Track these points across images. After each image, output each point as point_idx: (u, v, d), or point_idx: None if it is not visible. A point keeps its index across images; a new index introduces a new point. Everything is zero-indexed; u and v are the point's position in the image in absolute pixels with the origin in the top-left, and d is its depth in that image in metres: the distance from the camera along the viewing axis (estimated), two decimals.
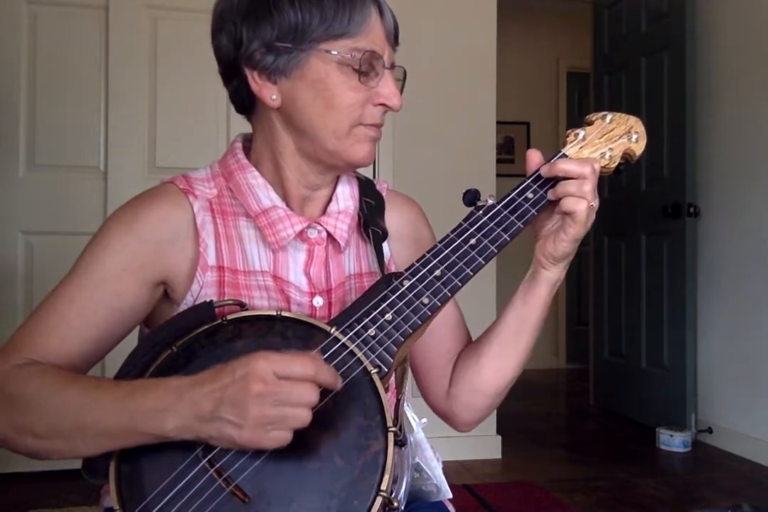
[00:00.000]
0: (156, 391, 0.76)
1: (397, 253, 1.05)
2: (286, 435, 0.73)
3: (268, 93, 0.92)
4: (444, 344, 1.04)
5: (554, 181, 0.89)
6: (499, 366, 0.98)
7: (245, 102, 0.97)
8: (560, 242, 0.89)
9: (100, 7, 2.85)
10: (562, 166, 0.87)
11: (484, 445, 3.12)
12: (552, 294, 0.95)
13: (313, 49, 0.89)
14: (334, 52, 0.88)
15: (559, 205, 0.88)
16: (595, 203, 0.87)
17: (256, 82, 0.92)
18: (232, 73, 0.94)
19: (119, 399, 0.77)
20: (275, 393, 0.71)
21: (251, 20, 0.90)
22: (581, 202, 0.86)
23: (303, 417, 0.72)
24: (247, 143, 1.01)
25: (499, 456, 3.14)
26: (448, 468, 1.04)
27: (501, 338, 0.98)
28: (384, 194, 1.07)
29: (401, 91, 0.97)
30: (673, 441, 3.30)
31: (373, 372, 0.81)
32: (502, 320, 0.98)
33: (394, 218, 1.06)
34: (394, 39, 0.94)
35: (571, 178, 0.87)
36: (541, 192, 0.89)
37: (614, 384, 4.04)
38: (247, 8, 0.90)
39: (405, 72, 0.97)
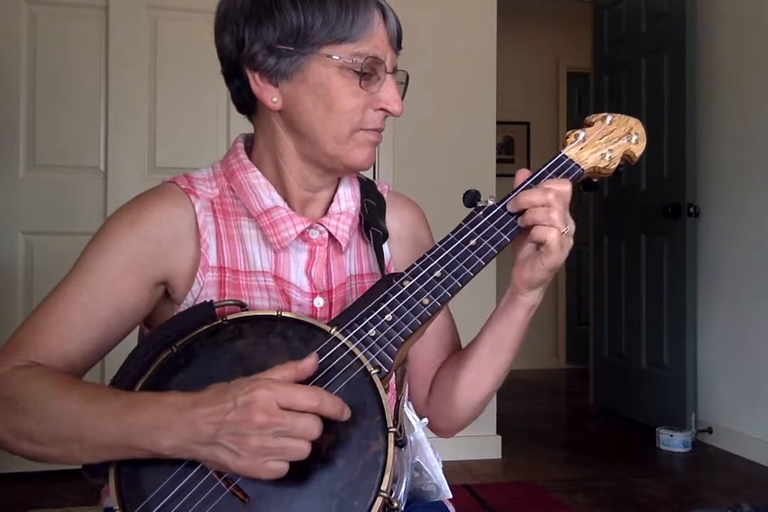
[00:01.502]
0: (153, 407, 0.75)
1: (397, 253, 1.05)
2: (283, 466, 0.72)
3: (269, 95, 0.92)
4: (429, 353, 1.04)
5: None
6: (473, 383, 0.98)
7: (247, 103, 0.97)
8: (537, 271, 0.87)
9: (100, 7, 2.85)
10: (526, 199, 0.85)
11: (484, 445, 3.12)
12: (529, 318, 0.93)
13: (315, 53, 0.88)
14: (335, 57, 0.88)
15: (530, 234, 0.85)
16: (570, 228, 0.85)
17: (257, 83, 0.92)
18: (233, 73, 0.94)
19: (116, 410, 0.76)
20: (278, 425, 0.71)
21: (253, 21, 0.89)
22: (551, 231, 0.84)
23: (302, 449, 0.72)
24: (249, 143, 1.01)
25: (499, 456, 3.14)
26: (449, 468, 1.04)
27: (478, 355, 0.97)
28: (385, 195, 1.07)
29: (404, 95, 0.96)
30: (673, 441, 3.30)
31: (373, 372, 0.81)
32: (479, 339, 0.97)
33: (394, 219, 1.06)
34: (397, 43, 0.94)
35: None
36: None
37: (614, 384, 4.04)
38: (250, 9, 0.90)
39: (407, 76, 0.97)
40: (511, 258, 0.92)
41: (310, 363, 0.77)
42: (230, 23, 0.91)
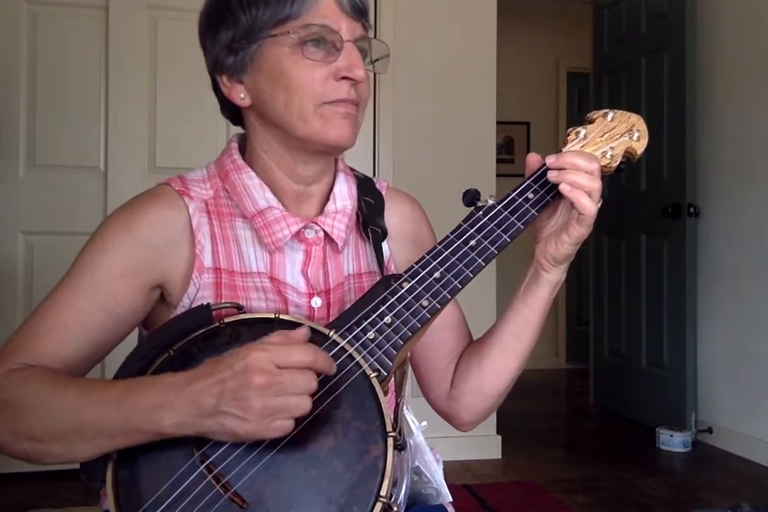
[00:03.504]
0: (151, 389, 0.75)
1: (397, 251, 1.04)
2: (289, 424, 0.73)
3: (237, 93, 0.93)
4: (446, 345, 1.04)
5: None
6: (500, 369, 0.98)
7: (232, 112, 0.99)
8: (563, 244, 0.88)
9: (100, 7, 2.85)
10: (572, 160, 0.85)
11: (484, 445, 3.12)
12: (554, 295, 0.94)
13: (262, 38, 0.89)
14: (279, 34, 0.88)
15: (574, 199, 0.84)
16: (599, 204, 0.86)
17: (225, 85, 0.94)
18: (215, 84, 0.97)
19: (115, 397, 0.77)
20: (277, 383, 0.72)
21: (212, 29, 0.93)
22: (593, 205, 0.84)
23: (305, 405, 0.73)
24: (244, 142, 1.01)
25: (499, 456, 3.14)
26: (449, 468, 1.04)
27: (503, 341, 0.97)
28: (384, 192, 1.06)
29: (385, 68, 0.95)
30: (673, 441, 3.30)
31: (372, 375, 0.80)
32: (503, 323, 0.97)
33: (393, 216, 1.05)
34: (354, 12, 0.91)
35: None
36: (542, 192, 0.88)
37: (614, 384, 4.04)
38: (209, 19, 0.94)
39: (388, 48, 0.95)
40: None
41: (300, 332, 0.78)
42: (202, 37, 0.96)
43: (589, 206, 0.84)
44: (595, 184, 0.84)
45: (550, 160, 0.87)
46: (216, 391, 0.72)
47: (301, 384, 0.72)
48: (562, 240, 0.88)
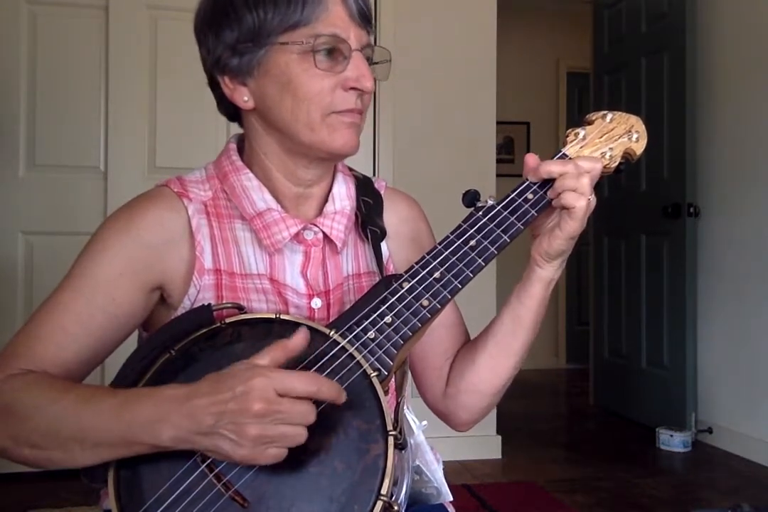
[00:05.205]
0: (151, 401, 0.75)
1: (396, 252, 1.05)
2: (281, 452, 0.73)
3: (240, 96, 0.93)
4: (441, 344, 1.04)
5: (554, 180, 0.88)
6: (495, 367, 0.98)
7: (229, 110, 0.98)
8: (555, 239, 0.88)
9: (100, 7, 2.85)
10: (547, 168, 0.86)
11: (484, 445, 3.12)
12: (548, 294, 0.94)
13: (272, 43, 0.88)
14: (290, 43, 0.87)
15: (560, 198, 0.86)
16: (593, 199, 0.86)
17: (228, 86, 0.93)
18: (213, 82, 0.96)
19: (114, 408, 0.76)
20: (276, 412, 0.71)
21: (215, 27, 0.91)
22: (581, 198, 0.85)
23: (300, 436, 0.73)
24: (242, 143, 1.01)
25: (499, 456, 3.14)
26: (448, 468, 1.04)
27: (498, 338, 0.97)
28: (382, 192, 1.06)
29: (386, 74, 0.95)
30: (673, 441, 3.30)
31: (372, 375, 0.80)
32: (498, 320, 0.97)
33: (392, 217, 1.05)
34: (362, 19, 0.91)
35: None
36: (541, 192, 0.89)
37: (614, 384, 4.04)
38: (211, 16, 0.92)
39: (389, 53, 0.95)
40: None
41: (299, 339, 0.77)
42: (200, 34, 0.94)
43: (573, 200, 0.85)
44: (583, 182, 0.85)
45: (541, 169, 0.87)
46: (215, 411, 0.72)
47: (299, 415, 0.72)
48: (554, 235, 0.88)
